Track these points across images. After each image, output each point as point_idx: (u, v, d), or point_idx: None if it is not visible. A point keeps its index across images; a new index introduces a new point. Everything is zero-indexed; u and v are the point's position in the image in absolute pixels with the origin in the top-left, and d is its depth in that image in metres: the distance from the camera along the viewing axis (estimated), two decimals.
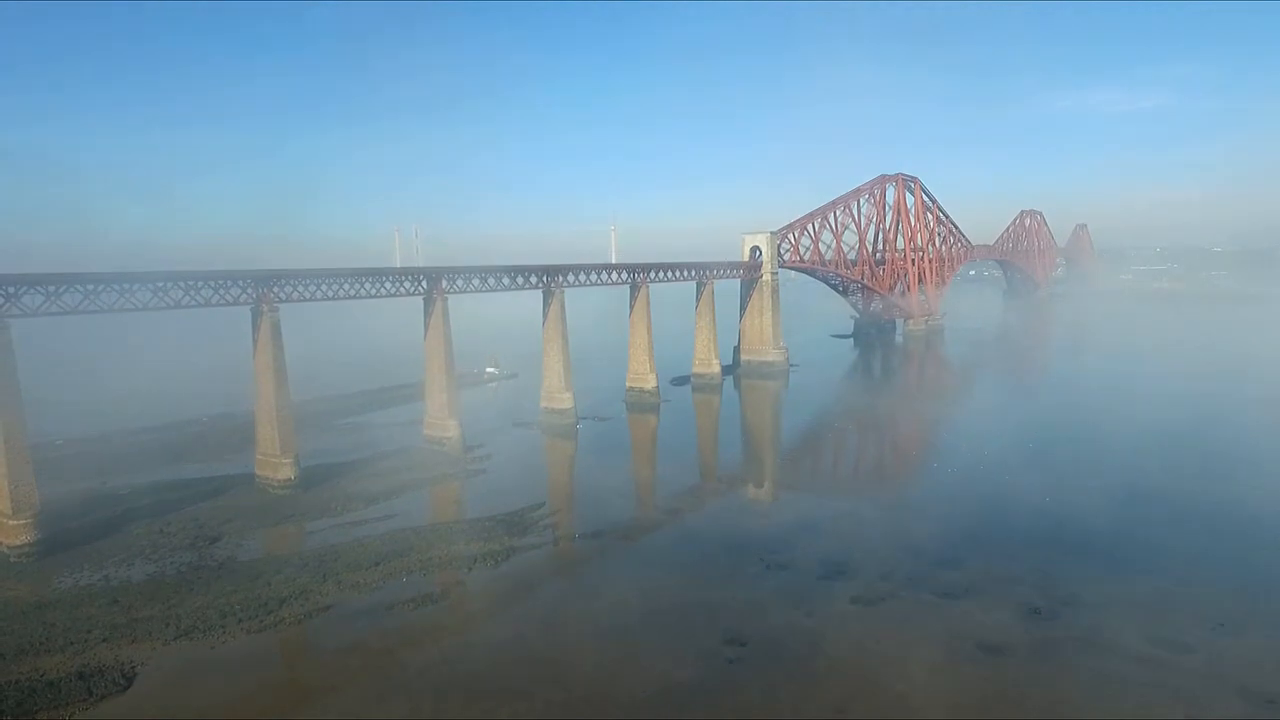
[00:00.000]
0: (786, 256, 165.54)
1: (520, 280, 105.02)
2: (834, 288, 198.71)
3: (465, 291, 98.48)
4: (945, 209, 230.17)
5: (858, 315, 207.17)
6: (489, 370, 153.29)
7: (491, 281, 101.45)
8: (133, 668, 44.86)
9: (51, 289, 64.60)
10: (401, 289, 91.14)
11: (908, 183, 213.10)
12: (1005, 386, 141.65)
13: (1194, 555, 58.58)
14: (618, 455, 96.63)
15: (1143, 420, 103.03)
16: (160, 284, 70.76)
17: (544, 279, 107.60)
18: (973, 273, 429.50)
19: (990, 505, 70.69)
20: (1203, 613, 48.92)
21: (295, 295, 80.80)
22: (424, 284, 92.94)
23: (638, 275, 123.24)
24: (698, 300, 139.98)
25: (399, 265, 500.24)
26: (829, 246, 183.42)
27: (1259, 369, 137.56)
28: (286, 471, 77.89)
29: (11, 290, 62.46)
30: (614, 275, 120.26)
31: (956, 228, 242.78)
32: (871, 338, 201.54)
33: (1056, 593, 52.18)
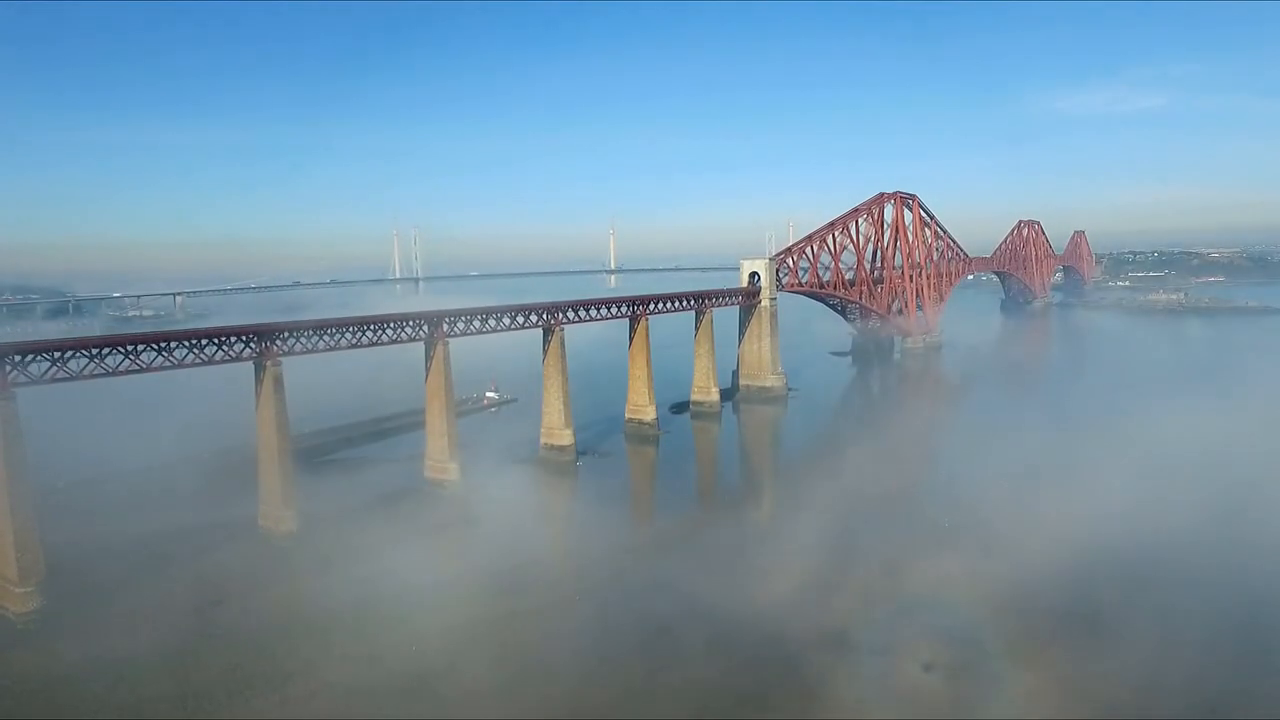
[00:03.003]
0: (785, 281, 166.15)
1: (521, 320, 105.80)
2: (833, 308, 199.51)
3: (466, 334, 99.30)
4: (943, 220, 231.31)
5: (856, 333, 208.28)
6: (489, 395, 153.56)
7: (492, 323, 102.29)
8: None
9: (56, 355, 65.25)
10: (403, 335, 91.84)
11: (905, 200, 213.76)
12: (1004, 418, 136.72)
13: (1193, 624, 58.31)
14: (617, 498, 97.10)
15: (1150, 470, 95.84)
16: (165, 344, 71.38)
17: (544, 317, 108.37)
18: (970, 277, 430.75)
19: (983, 563, 70.15)
20: (1196, 693, 49.72)
21: (298, 348, 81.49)
22: (425, 329, 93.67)
23: (637, 308, 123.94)
24: (696, 329, 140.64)
25: (398, 268, 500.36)
26: (827, 268, 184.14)
27: None
28: (289, 524, 78.68)
29: (17, 359, 63.10)
30: (613, 310, 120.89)
31: (955, 242, 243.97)
32: (870, 356, 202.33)
33: (1048, 672, 52.93)
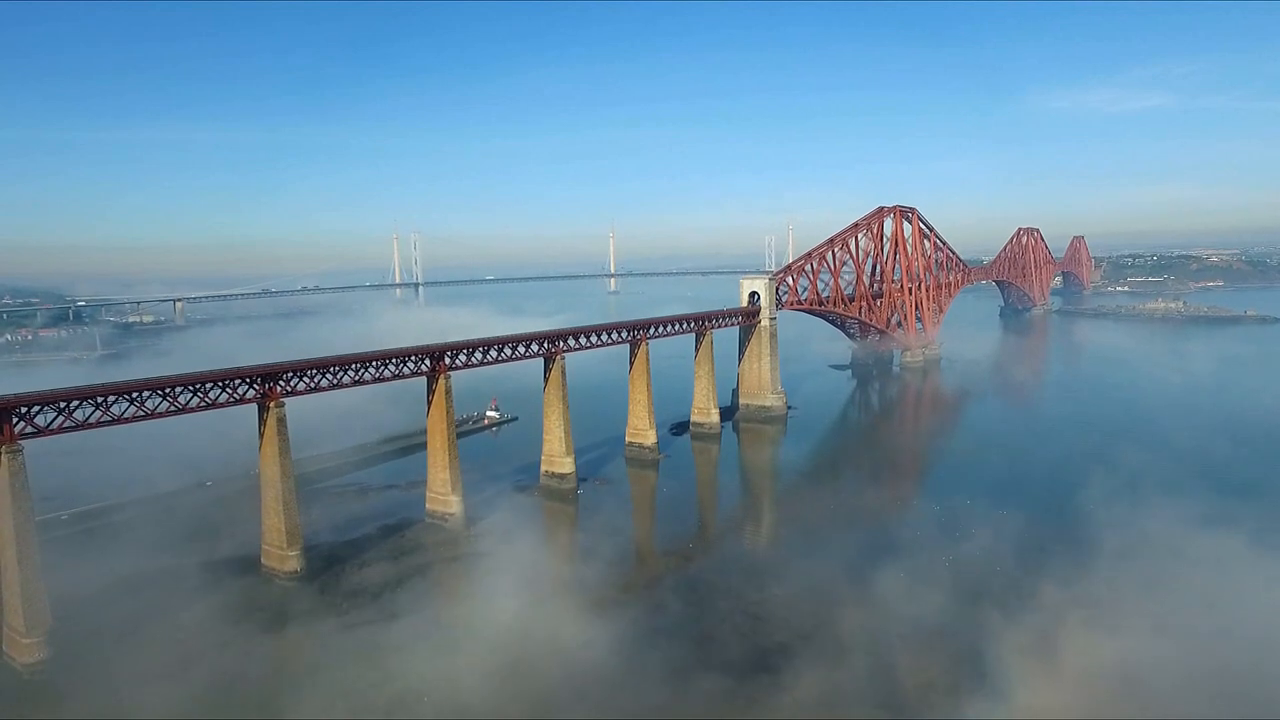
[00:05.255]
0: (785, 299, 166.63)
1: (522, 350, 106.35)
2: (832, 323, 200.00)
3: (467, 367, 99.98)
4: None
5: (855, 347, 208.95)
6: (489, 414, 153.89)
7: (493, 354, 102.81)
8: None
9: (63, 405, 65.76)
10: (404, 371, 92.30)
11: (905, 214, 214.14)
12: (1008, 445, 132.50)
13: None
14: (618, 531, 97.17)
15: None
16: (170, 389, 71.92)
17: (544, 346, 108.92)
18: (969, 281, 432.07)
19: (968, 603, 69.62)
20: None
21: (300, 388, 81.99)
22: (427, 363, 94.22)
23: (637, 333, 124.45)
24: (696, 350, 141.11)
25: (398, 273, 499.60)
26: (826, 284, 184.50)
27: None
28: (292, 564, 79.28)
29: (24, 410, 63.63)
30: (613, 335, 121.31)
31: (954, 253, 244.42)
32: (869, 370, 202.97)
33: None
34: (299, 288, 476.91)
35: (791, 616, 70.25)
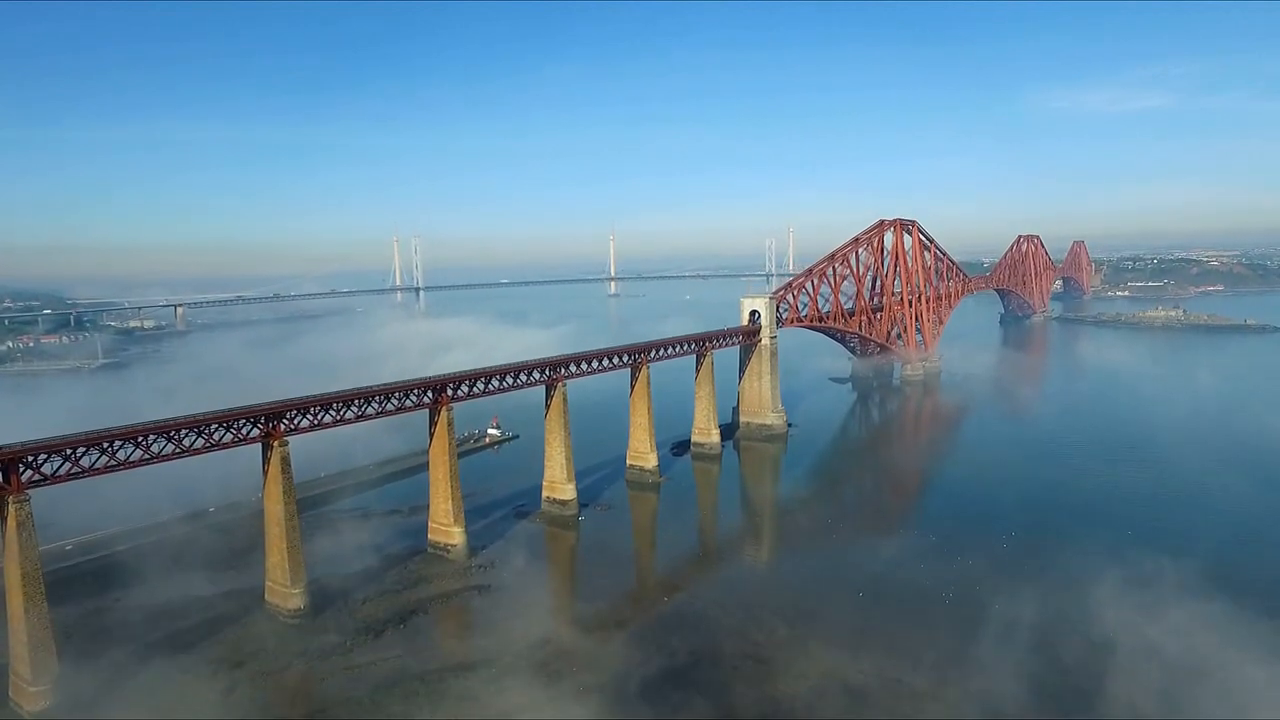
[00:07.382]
0: (785, 316, 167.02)
1: (524, 378, 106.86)
2: (833, 338, 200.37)
3: (470, 398, 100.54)
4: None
5: (855, 359, 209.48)
6: (490, 432, 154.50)
7: (495, 383, 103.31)
8: None
9: (69, 453, 66.24)
10: (407, 404, 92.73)
11: (905, 226, 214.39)
12: (1009, 469, 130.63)
13: None
14: (620, 562, 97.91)
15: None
16: (174, 432, 72.44)
17: (545, 373, 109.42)
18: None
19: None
20: None
21: (304, 425, 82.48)
22: (429, 396, 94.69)
23: (637, 357, 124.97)
24: (697, 371, 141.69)
25: (398, 276, 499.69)
26: (826, 299, 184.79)
27: None
28: (296, 601, 79.74)
29: (31, 459, 64.13)
30: (614, 360, 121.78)
31: (954, 263, 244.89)
32: (869, 384, 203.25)
33: None
34: (301, 292, 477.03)
35: (797, 662, 70.48)
